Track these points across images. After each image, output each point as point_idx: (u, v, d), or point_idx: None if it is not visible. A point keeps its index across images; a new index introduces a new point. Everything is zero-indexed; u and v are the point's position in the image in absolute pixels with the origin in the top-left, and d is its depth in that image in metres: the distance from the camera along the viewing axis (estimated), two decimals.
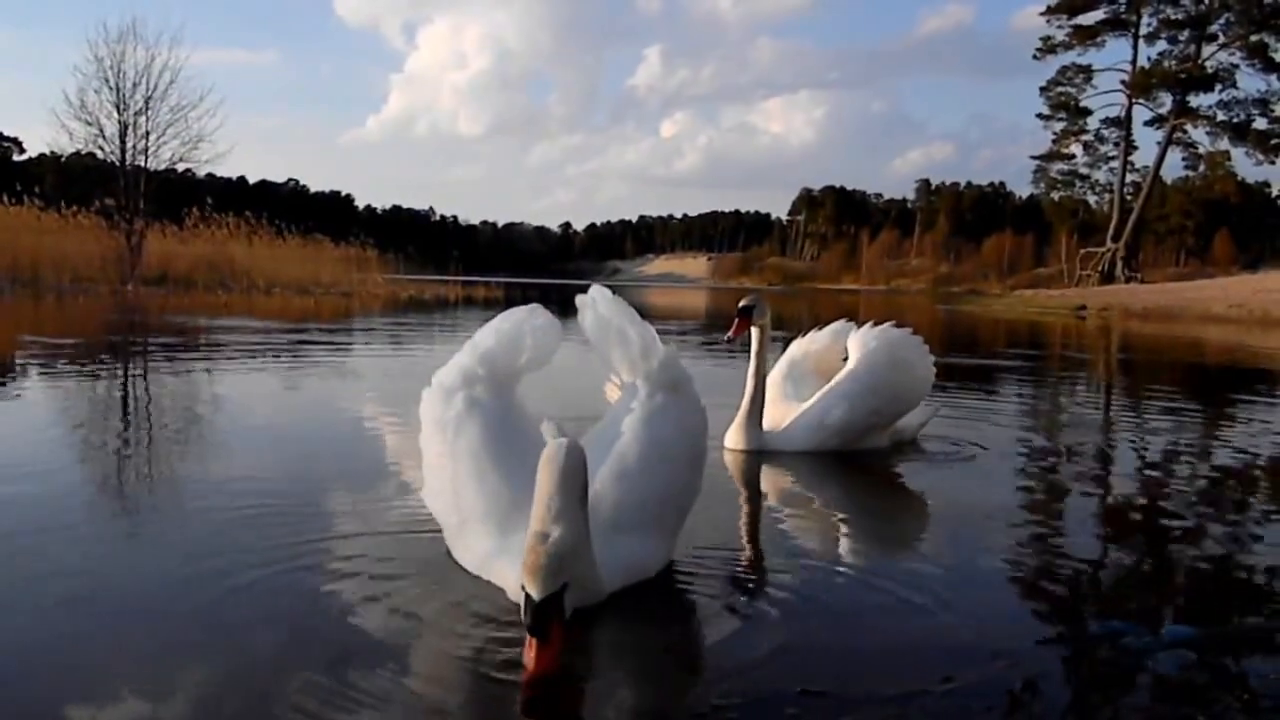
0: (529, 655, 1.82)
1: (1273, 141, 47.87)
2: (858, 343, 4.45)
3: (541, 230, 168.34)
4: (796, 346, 4.73)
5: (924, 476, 4.15)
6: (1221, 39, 48.12)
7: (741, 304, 4.29)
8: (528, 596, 1.86)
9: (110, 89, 24.80)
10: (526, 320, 2.72)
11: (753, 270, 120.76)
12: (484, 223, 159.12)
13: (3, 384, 6.24)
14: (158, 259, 24.41)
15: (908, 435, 4.62)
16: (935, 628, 2.21)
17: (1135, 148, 52.14)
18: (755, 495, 3.78)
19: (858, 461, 4.24)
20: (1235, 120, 48.41)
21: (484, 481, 2.40)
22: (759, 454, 4.20)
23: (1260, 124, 48.09)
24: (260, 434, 4.76)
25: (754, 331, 4.25)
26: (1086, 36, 49.76)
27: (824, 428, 4.27)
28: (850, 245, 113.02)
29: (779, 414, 4.39)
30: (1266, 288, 28.42)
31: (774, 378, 4.60)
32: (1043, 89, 52.11)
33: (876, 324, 4.54)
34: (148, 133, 25.26)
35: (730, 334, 4.35)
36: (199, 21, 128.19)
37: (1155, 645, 2.03)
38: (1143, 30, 49.29)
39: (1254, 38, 46.52)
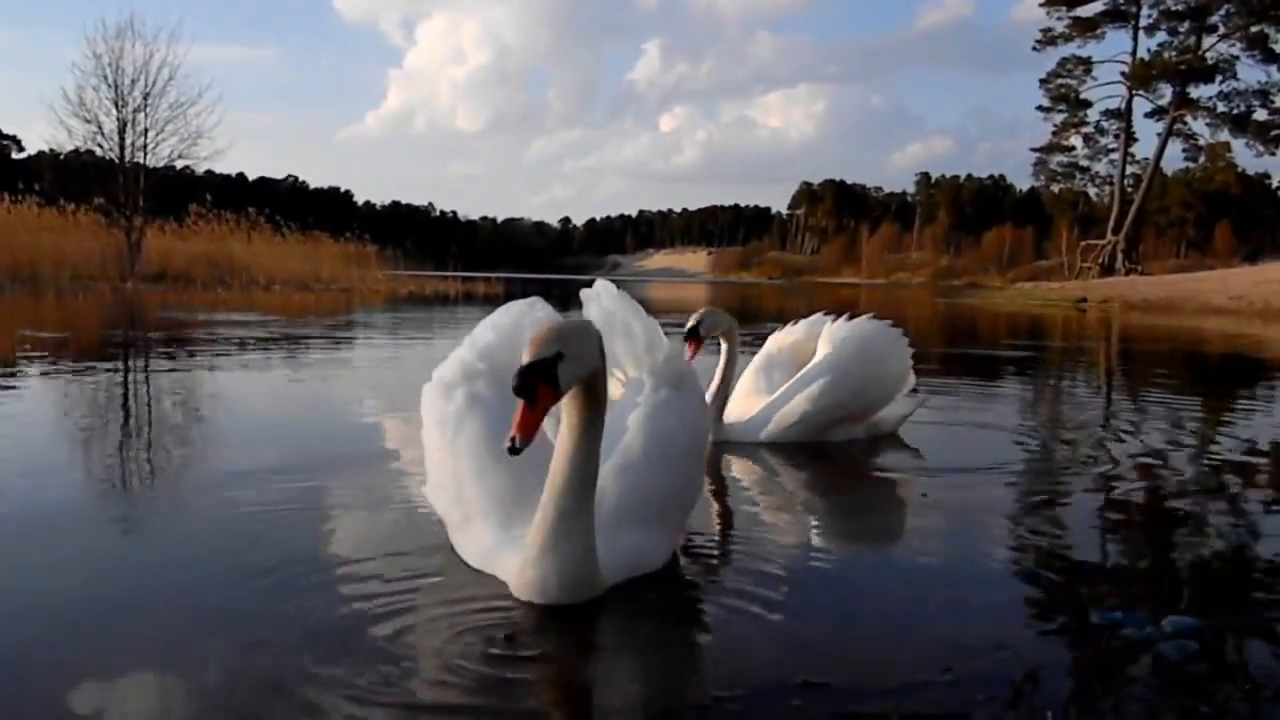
0: (515, 419, 1.92)
1: (1273, 133, 47.83)
2: (829, 335, 4.43)
3: (541, 225, 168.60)
4: (772, 340, 4.70)
5: (919, 468, 4.13)
6: (1221, 30, 48.10)
7: (689, 324, 4.21)
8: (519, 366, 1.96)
9: (109, 86, 24.82)
10: (526, 314, 2.73)
11: (752, 264, 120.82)
12: (483, 218, 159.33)
13: (3, 381, 6.24)
14: (157, 256, 24.39)
15: (886, 428, 4.56)
16: (936, 618, 2.21)
17: (1135, 139, 52.24)
18: (728, 487, 3.74)
19: (828, 452, 4.21)
20: (1235, 111, 48.45)
21: (485, 477, 2.40)
22: (720, 444, 4.18)
23: (1260, 115, 48.19)
24: (260, 428, 4.77)
25: (722, 340, 4.31)
26: (1086, 28, 49.71)
27: (784, 419, 4.24)
28: (850, 239, 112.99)
29: (750, 406, 4.38)
30: (1267, 279, 28.37)
31: (749, 370, 4.61)
32: (1042, 81, 52.17)
33: (852, 317, 4.52)
34: (146, 129, 25.29)
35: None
36: (197, 18, 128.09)
37: (1156, 636, 2.04)
38: (1142, 22, 49.35)
39: (1254, 29, 46.49)
